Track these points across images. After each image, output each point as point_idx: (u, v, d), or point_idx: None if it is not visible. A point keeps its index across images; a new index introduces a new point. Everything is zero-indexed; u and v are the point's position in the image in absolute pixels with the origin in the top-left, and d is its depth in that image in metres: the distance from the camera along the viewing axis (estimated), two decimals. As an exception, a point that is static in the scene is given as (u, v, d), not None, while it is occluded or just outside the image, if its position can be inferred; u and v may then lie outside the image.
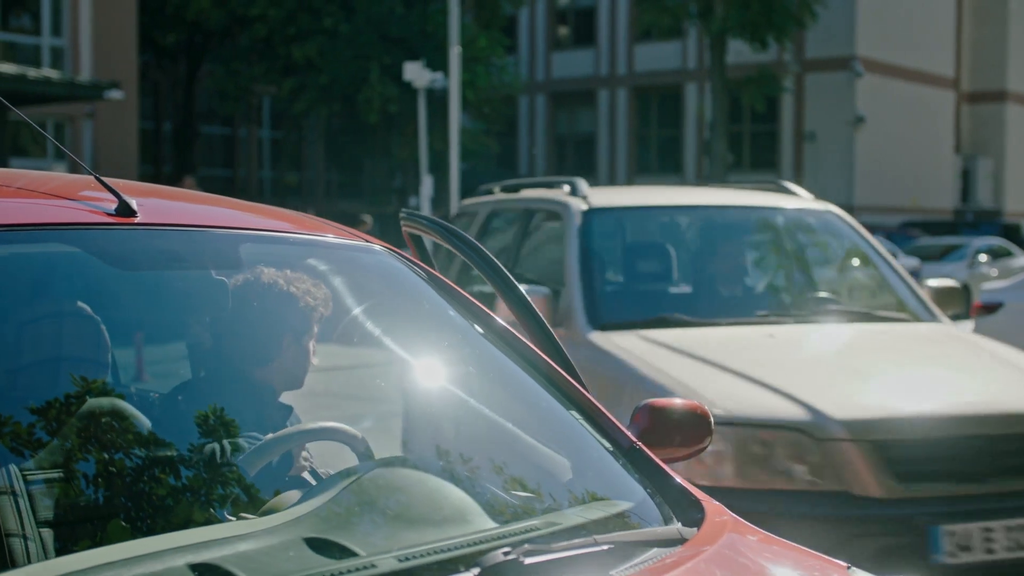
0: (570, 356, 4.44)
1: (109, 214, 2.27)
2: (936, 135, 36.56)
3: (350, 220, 32.60)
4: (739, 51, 29.20)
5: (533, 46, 38.94)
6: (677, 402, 2.61)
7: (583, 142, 38.58)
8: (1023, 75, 40.34)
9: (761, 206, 6.34)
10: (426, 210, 24.39)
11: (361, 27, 28.71)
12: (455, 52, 21.84)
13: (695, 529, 2.27)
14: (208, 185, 39.09)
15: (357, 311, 2.66)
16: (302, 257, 2.58)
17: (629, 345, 5.17)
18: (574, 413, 2.54)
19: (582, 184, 6.17)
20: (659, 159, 36.20)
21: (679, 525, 2.29)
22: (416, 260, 2.72)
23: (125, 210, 2.27)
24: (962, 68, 39.51)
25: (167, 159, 36.52)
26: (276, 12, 29.34)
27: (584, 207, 5.86)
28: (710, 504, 2.39)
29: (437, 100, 26.47)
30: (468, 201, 7.55)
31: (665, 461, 2.68)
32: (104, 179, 2.32)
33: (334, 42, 28.75)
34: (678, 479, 2.44)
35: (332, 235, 2.62)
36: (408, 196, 29.67)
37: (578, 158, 38.52)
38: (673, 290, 6.10)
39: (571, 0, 38.86)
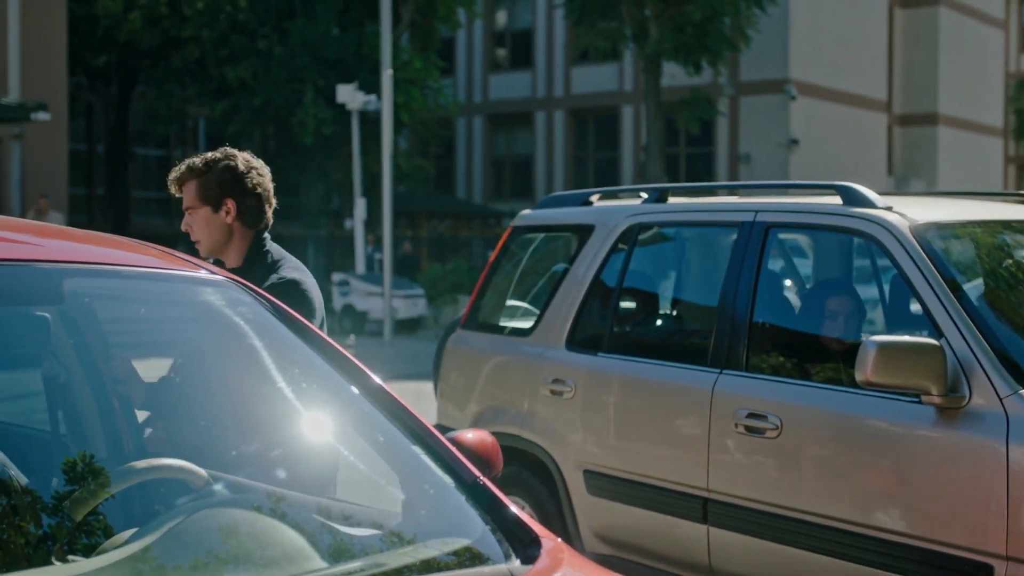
0: (977, 431, 3.89)
1: (-75, 249, 2.21)
2: (869, 157, 37.01)
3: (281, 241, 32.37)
4: (674, 74, 29.39)
5: (470, 68, 39.00)
6: (468, 433, 2.62)
7: (520, 164, 38.65)
8: (954, 98, 40.97)
9: None
10: (359, 232, 24.28)
11: (295, 49, 28.58)
12: (387, 74, 21.80)
13: (529, 566, 2.24)
14: (143, 207, 38.72)
15: (196, 343, 2.60)
16: (134, 290, 2.51)
17: None
18: (417, 448, 2.50)
19: (868, 192, 4.59)
20: (596, 181, 36.33)
21: (514, 562, 2.26)
22: (260, 291, 2.66)
23: (-59, 244, 2.21)
24: (894, 91, 40.05)
25: (100, 181, 36.11)
26: (209, 34, 29.13)
27: (909, 224, 4.39)
28: (549, 540, 2.36)
29: (371, 122, 26.40)
30: (538, 213, 6.03)
31: None
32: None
33: (268, 64, 28.60)
34: (518, 513, 2.41)
35: (170, 266, 2.56)
36: (344, 219, 29.51)
37: (516, 180, 38.58)
38: None
39: (508, 22, 38.98)
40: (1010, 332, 4.24)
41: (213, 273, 2.66)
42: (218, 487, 2.44)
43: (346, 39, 29.27)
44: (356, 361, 2.57)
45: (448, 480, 2.45)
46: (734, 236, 4.94)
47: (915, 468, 4.09)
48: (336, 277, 24.82)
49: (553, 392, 5.37)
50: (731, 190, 6.85)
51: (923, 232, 4.36)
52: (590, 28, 28.58)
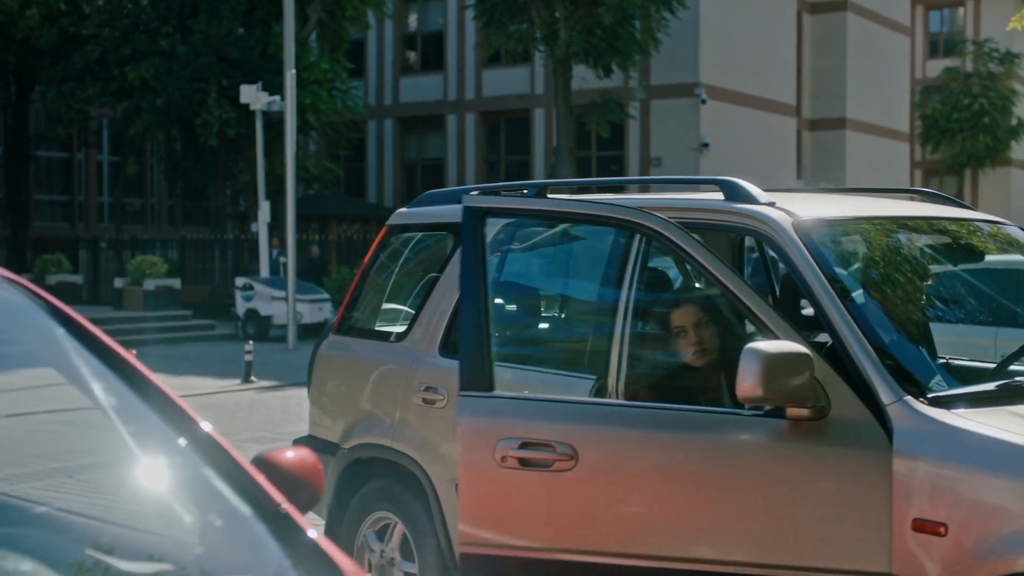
0: (854, 444, 3.53)
1: None
2: (779, 161, 37.24)
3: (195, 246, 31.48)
4: (585, 77, 29.29)
5: (381, 70, 38.57)
6: (287, 452, 2.32)
7: (432, 167, 38.31)
8: (862, 103, 41.44)
9: (984, 219, 4.81)
10: (263, 236, 23.76)
11: (199, 48, 27.94)
12: (290, 75, 21.39)
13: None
14: (46, 210, 37.69)
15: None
16: None
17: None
18: (211, 471, 2.19)
19: (751, 187, 4.30)
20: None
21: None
22: (38, 289, 2.33)
23: None
24: (803, 96, 40.38)
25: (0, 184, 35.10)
26: (110, 32, 28.39)
27: (793, 220, 4.09)
28: (354, 572, 2.08)
29: (277, 124, 25.88)
30: (414, 211, 5.69)
31: None
32: None
33: (171, 63, 27.92)
34: (320, 544, 2.12)
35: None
36: (251, 222, 28.95)
37: (427, 183, 38.23)
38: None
39: (419, 25, 38.63)
40: (897, 335, 3.98)
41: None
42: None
43: (251, 39, 28.71)
44: (141, 367, 2.26)
45: (245, 509, 2.15)
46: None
47: (776, 488, 3.76)
48: (239, 281, 24.30)
49: (425, 401, 5.06)
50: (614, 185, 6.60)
51: (807, 229, 4.07)
52: (500, 30, 28.39)
